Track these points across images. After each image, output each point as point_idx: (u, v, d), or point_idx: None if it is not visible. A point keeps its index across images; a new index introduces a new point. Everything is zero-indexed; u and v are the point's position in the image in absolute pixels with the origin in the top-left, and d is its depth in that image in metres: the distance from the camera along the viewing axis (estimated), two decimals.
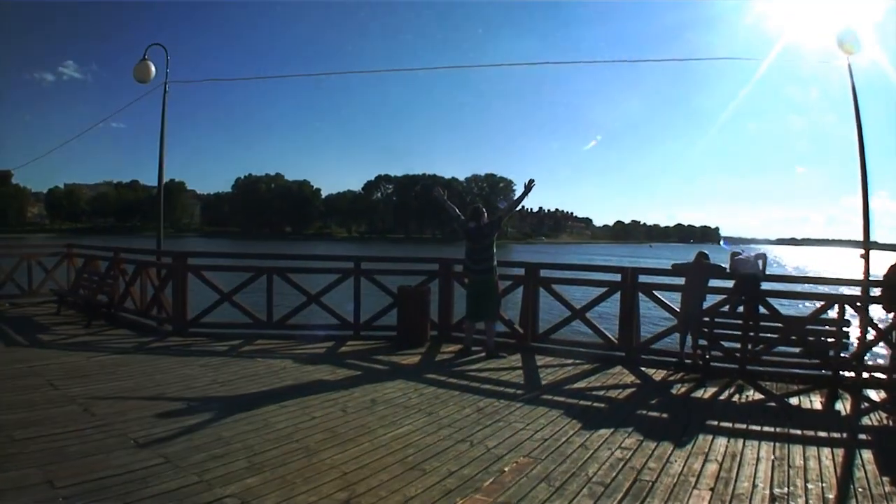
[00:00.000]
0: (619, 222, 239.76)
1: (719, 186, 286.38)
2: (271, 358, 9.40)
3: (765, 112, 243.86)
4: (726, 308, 9.48)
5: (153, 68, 13.46)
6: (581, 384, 8.37)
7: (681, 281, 9.58)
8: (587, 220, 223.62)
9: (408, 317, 10.55)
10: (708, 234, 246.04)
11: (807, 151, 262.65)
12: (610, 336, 10.15)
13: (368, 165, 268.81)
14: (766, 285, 9.39)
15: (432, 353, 9.99)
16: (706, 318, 8.99)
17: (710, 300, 9.56)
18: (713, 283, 9.49)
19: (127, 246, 14.21)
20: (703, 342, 8.95)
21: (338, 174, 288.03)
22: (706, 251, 9.40)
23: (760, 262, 9.34)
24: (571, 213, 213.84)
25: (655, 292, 10.05)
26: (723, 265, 9.52)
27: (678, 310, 9.48)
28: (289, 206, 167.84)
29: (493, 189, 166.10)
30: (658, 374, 9.05)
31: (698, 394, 8.07)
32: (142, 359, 9.20)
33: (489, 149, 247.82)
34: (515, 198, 10.15)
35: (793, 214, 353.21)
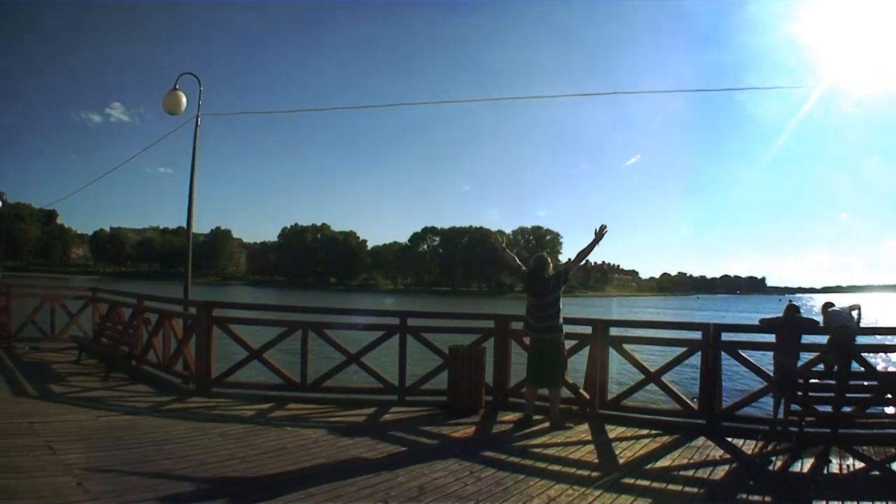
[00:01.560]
0: (665, 274, 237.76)
1: (763, 236, 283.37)
2: (303, 426, 8.27)
3: (808, 158, 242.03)
4: (820, 367, 8.54)
5: (184, 99, 12.89)
6: (665, 461, 7.25)
7: (769, 337, 8.65)
8: (633, 273, 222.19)
9: (460, 380, 9.37)
10: (755, 285, 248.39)
11: (850, 197, 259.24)
12: (689, 402, 9.05)
13: (414, 217, 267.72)
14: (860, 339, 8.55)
15: (488, 423, 8.80)
16: (801, 380, 7.87)
17: (802, 358, 8.61)
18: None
19: (153, 293, 13.22)
20: (795, 407, 7.83)
21: (384, 225, 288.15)
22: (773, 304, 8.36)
23: (855, 314, 8.44)
24: (618, 266, 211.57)
25: (741, 351, 8.94)
26: (815, 318, 8.67)
27: (766, 370, 8.61)
28: (334, 257, 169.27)
29: (539, 242, 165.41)
30: (747, 446, 7.96)
31: (796, 467, 7.16)
32: (155, 423, 8.20)
33: (533, 200, 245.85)
34: (585, 246, 8.89)
35: (836, 261, 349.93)
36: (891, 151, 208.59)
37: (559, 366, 8.77)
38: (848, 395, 7.86)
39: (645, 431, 8.53)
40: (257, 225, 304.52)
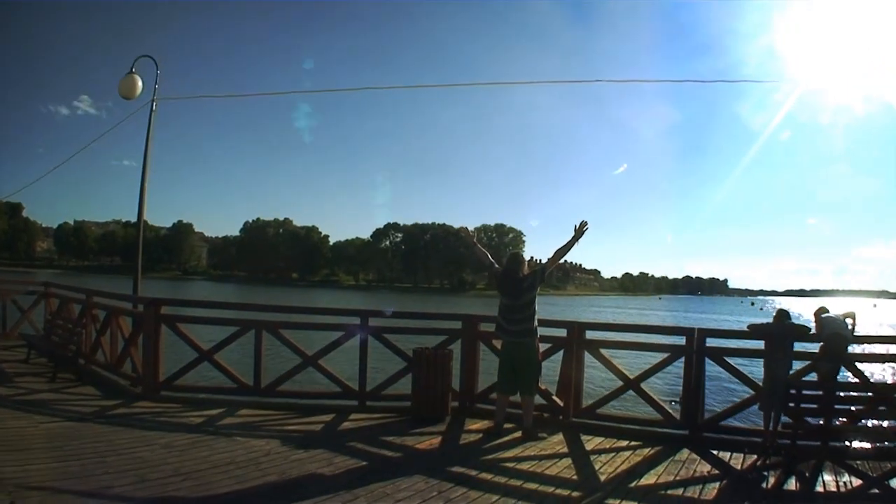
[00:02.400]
0: (627, 274, 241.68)
1: (726, 238, 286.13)
2: (254, 436, 7.63)
3: (775, 163, 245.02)
4: (812, 376, 8.17)
5: (140, 83, 12.30)
6: (650, 478, 6.73)
7: (757, 344, 8.32)
8: (595, 272, 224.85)
9: (425, 385, 8.73)
10: (716, 286, 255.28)
11: (818, 202, 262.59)
12: (670, 411, 8.63)
13: (377, 212, 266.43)
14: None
15: (455, 432, 8.21)
16: (792, 391, 7.29)
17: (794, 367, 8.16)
18: None
19: (105, 289, 12.54)
20: (785, 418, 7.35)
21: (346, 221, 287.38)
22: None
23: (850, 322, 8.18)
24: (579, 265, 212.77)
25: (728, 358, 8.45)
26: (806, 325, 8.18)
27: (755, 380, 8.24)
28: (296, 252, 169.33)
29: (502, 240, 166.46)
30: (735, 460, 7.50)
31: (790, 485, 6.73)
32: (98, 430, 7.49)
33: (497, 197, 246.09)
34: (564, 244, 8.24)
35: (803, 266, 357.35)
36: (860, 160, 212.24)
37: (533, 372, 8.18)
38: (839, 406, 7.41)
39: (624, 443, 8.02)
40: (220, 218, 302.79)
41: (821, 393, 7.43)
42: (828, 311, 8.36)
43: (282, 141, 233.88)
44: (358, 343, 9.32)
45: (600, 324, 10.33)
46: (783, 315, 8.11)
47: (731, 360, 8.47)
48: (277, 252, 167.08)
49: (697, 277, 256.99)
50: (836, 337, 7.94)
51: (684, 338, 8.57)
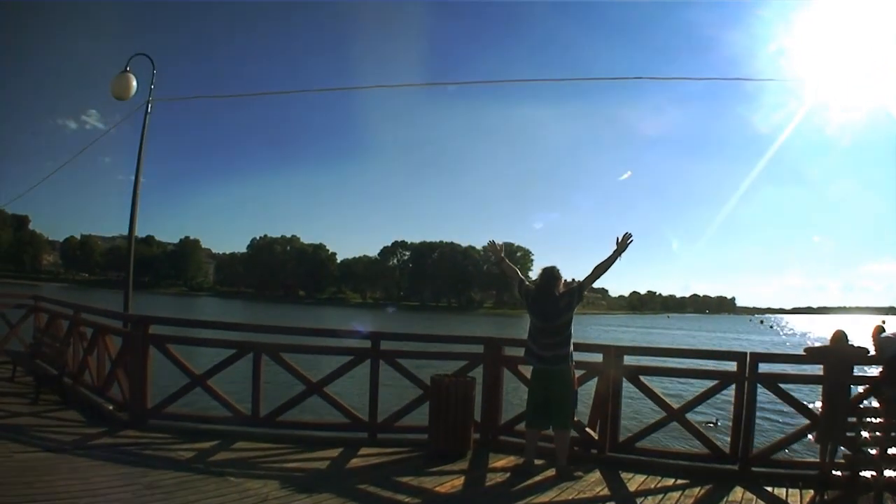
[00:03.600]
0: (634, 293, 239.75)
1: (732, 256, 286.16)
2: (251, 475, 6.69)
3: (781, 179, 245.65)
4: (869, 402, 7.58)
5: (134, 82, 11.59)
6: None
7: (814, 369, 7.82)
8: (603, 291, 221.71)
9: (444, 417, 7.75)
10: (724, 304, 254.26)
11: (824, 219, 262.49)
12: (717, 443, 7.83)
13: (385, 230, 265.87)
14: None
15: (479, 471, 7.28)
16: (853, 419, 6.87)
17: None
18: None
19: (101, 303, 11.78)
20: (842, 450, 7.04)
21: (354, 238, 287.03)
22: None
23: None
24: None
25: (782, 385, 7.75)
26: (864, 346, 7.54)
27: (812, 408, 7.82)
28: (304, 270, 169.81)
29: (510, 258, 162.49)
30: (792, 496, 6.81)
31: None
32: (76, 464, 6.65)
33: (504, 216, 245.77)
34: (605, 259, 7.31)
35: (809, 283, 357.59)
36: (867, 175, 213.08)
37: (568, 403, 7.23)
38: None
39: (670, 481, 7.16)
40: (227, 234, 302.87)
41: (881, 420, 6.92)
42: (885, 331, 7.65)
43: (291, 154, 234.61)
44: (368, 369, 8.43)
45: (638, 347, 9.62)
46: (841, 336, 7.45)
47: (787, 388, 7.78)
48: (284, 269, 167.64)
49: (705, 296, 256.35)
50: None
51: (735, 363, 7.80)
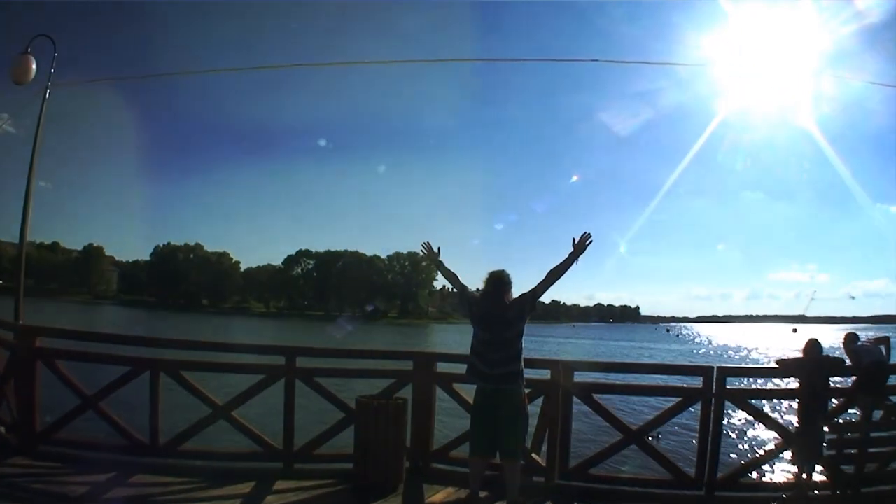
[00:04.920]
0: (539, 302, 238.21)
1: (635, 265, 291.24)
2: None
3: (683, 191, 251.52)
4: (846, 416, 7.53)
5: (33, 65, 10.35)
6: None
7: (783, 382, 8.08)
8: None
9: (373, 445, 6.71)
10: (628, 314, 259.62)
11: (729, 228, 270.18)
12: (679, 467, 7.13)
13: (290, 239, 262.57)
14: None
15: None
16: (833, 435, 6.60)
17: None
18: None
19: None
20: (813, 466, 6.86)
21: (259, 246, 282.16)
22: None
23: (883, 348, 7.41)
24: None
25: (753, 401, 7.37)
26: (837, 356, 7.35)
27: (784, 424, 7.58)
28: (207, 278, 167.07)
29: (415, 269, 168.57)
30: None
31: None
32: None
33: (411, 227, 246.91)
34: (560, 262, 6.31)
35: (713, 292, 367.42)
36: (773, 185, 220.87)
37: (519, 427, 6.21)
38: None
39: None
40: (132, 241, 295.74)
41: (859, 435, 6.77)
42: (858, 339, 7.54)
43: (198, 160, 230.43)
44: (282, 389, 7.37)
45: (590, 363, 8.80)
46: (815, 347, 7.07)
47: (757, 403, 7.50)
48: (187, 278, 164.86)
49: (609, 305, 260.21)
50: (878, 366, 7.11)
51: (701, 378, 7.18)
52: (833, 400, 7.32)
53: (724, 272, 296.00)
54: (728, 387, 7.13)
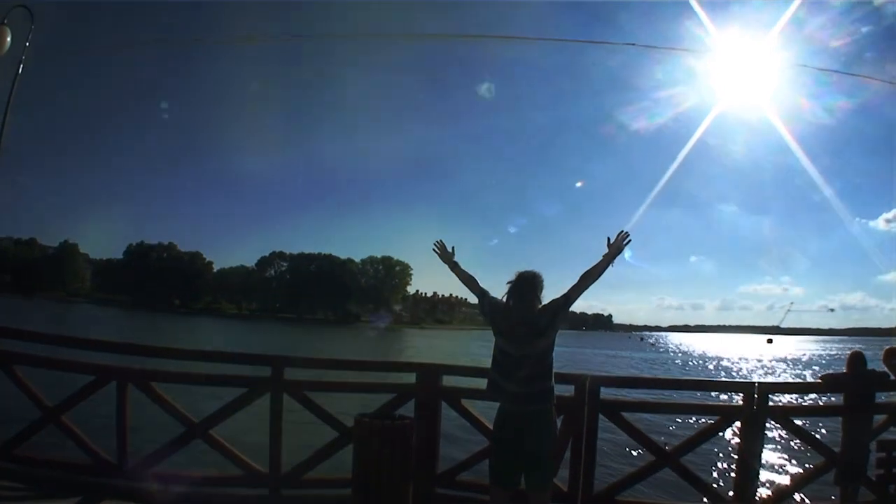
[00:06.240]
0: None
1: (608, 274, 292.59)
2: None
3: (663, 202, 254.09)
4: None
5: (8, 36, 9.89)
6: None
7: (828, 398, 7.31)
8: (480, 307, 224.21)
9: (374, 470, 5.79)
10: (601, 321, 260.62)
11: (703, 241, 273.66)
12: (717, 490, 6.81)
13: (264, 240, 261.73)
14: None
15: None
16: (882, 454, 6.03)
17: None
18: None
19: None
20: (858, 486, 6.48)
21: (233, 247, 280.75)
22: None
23: None
24: (465, 299, 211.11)
25: (795, 419, 6.78)
26: (882, 370, 6.85)
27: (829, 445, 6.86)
28: (179, 279, 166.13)
29: (389, 272, 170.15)
30: None
31: None
32: None
33: (386, 230, 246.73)
34: (596, 264, 5.43)
35: (686, 302, 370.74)
36: (746, 199, 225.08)
37: (549, 455, 5.32)
38: None
39: None
40: (107, 238, 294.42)
41: None
42: None
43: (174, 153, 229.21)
44: (268, 405, 6.50)
45: (617, 378, 8.15)
46: (859, 361, 6.75)
47: (800, 422, 6.87)
48: (160, 277, 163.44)
49: (581, 312, 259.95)
50: None
51: (741, 396, 6.65)
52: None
53: (696, 283, 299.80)
54: (770, 404, 6.57)
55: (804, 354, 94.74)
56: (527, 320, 5.22)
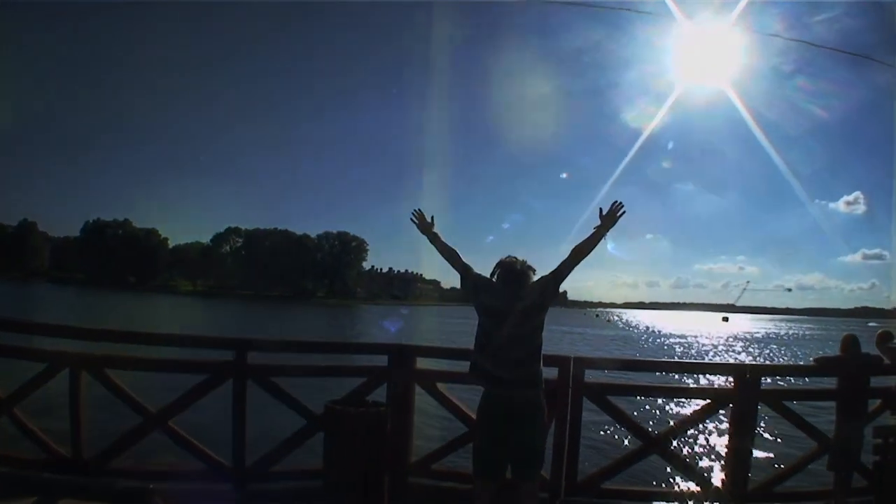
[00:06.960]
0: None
1: (562, 250, 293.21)
2: None
3: (614, 180, 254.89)
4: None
5: None
6: None
7: (823, 381, 7.17)
8: (435, 282, 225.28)
9: (348, 463, 5.46)
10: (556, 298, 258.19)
11: (657, 218, 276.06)
12: (705, 477, 6.57)
13: (222, 214, 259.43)
14: None
15: None
16: (878, 440, 6.16)
17: None
18: None
19: None
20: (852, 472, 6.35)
21: (191, 223, 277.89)
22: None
23: None
24: (420, 275, 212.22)
25: (787, 403, 6.49)
26: (875, 353, 6.70)
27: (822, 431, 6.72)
28: (134, 256, 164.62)
29: (345, 248, 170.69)
30: None
31: None
32: None
33: (341, 205, 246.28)
34: (590, 235, 5.03)
35: (640, 280, 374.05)
36: (705, 181, 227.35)
37: (540, 444, 5.02)
38: None
39: None
40: (65, 215, 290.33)
41: None
42: (894, 337, 6.85)
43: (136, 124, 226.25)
44: (230, 392, 6.07)
45: (605, 360, 8.04)
46: (853, 343, 6.52)
47: (792, 406, 6.59)
48: (116, 254, 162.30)
49: None
50: None
51: (733, 378, 6.46)
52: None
53: (651, 261, 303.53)
54: (763, 388, 6.41)
55: (759, 333, 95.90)
56: (513, 299, 4.87)
